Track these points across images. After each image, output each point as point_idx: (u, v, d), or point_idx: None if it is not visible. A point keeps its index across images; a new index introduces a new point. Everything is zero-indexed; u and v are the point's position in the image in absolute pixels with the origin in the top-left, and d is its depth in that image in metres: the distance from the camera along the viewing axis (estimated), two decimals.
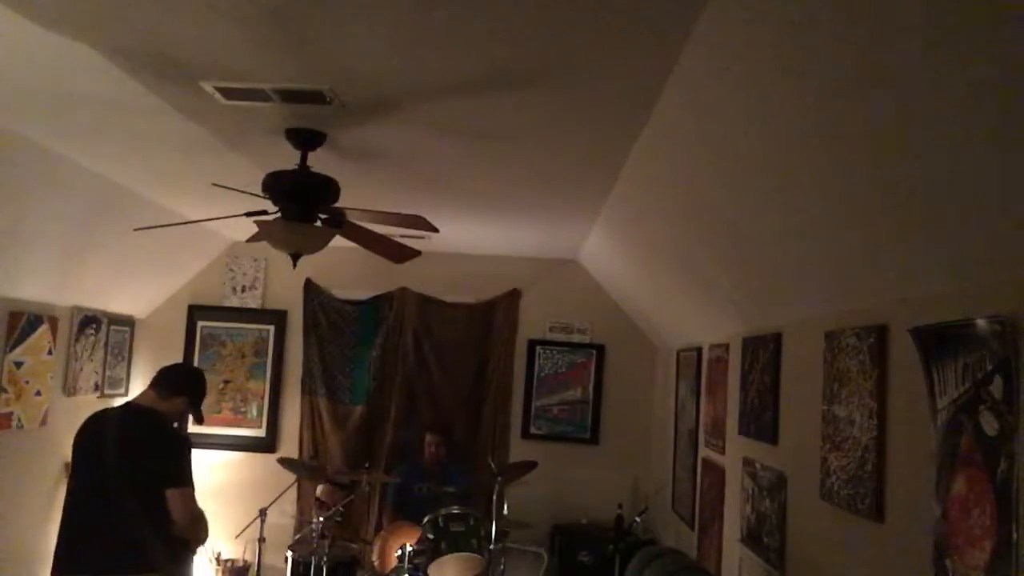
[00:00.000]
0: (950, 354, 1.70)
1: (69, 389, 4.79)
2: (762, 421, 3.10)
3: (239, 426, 5.89)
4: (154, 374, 3.32)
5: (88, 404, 4.94)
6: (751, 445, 3.26)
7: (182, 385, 3.29)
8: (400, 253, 3.72)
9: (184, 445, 3.15)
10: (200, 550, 3.31)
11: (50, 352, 4.54)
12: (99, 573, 2.92)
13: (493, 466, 4.64)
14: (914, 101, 1.48)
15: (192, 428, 5.65)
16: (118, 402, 5.22)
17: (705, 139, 2.53)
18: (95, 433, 3.07)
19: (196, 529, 3.09)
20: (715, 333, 3.97)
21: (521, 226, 4.84)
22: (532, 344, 5.91)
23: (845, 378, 2.32)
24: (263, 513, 4.60)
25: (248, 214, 3.15)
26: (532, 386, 5.90)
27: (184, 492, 3.00)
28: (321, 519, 4.39)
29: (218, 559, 5.54)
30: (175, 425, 3.25)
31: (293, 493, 5.56)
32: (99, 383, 5.18)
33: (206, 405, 3.47)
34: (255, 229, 3.14)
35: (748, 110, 2.12)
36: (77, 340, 4.84)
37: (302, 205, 3.07)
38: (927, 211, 1.69)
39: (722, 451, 3.74)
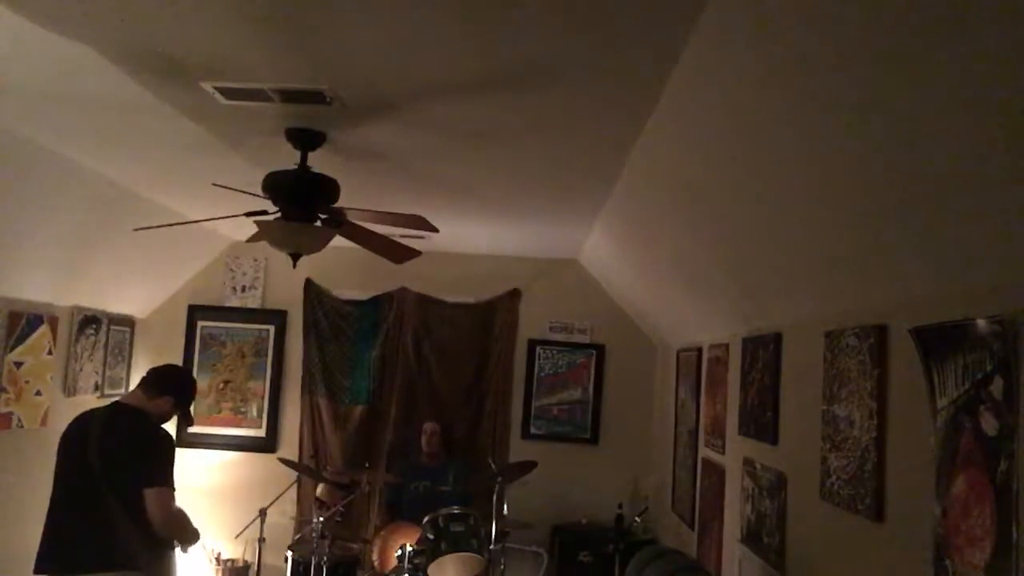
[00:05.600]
0: (950, 354, 1.70)
1: (69, 389, 4.79)
2: (762, 421, 3.10)
3: (239, 426, 5.89)
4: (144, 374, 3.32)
5: (88, 404, 4.92)
6: (751, 445, 3.26)
7: (168, 385, 3.24)
8: (400, 253, 3.72)
9: (165, 445, 3.09)
10: (193, 550, 3.27)
11: (50, 352, 4.54)
12: (84, 570, 2.92)
13: (493, 466, 4.64)
14: (914, 102, 1.48)
15: (192, 428, 5.68)
16: None
17: (705, 139, 2.53)
18: (81, 432, 3.05)
19: (175, 530, 3.06)
20: (715, 333, 3.97)
21: (521, 226, 4.85)
22: (532, 344, 5.91)
23: (845, 378, 2.32)
24: (263, 513, 4.60)
25: (248, 214, 3.15)
26: (532, 386, 5.90)
27: (161, 492, 2.96)
28: (321, 519, 4.38)
29: (218, 559, 5.54)
30: (161, 426, 3.22)
31: (293, 493, 5.56)
32: (99, 383, 5.18)
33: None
34: (255, 229, 3.14)
35: (748, 110, 2.12)
36: (77, 340, 4.84)
37: (302, 205, 3.07)
38: (927, 211, 1.69)
39: (722, 451, 3.74)
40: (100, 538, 2.91)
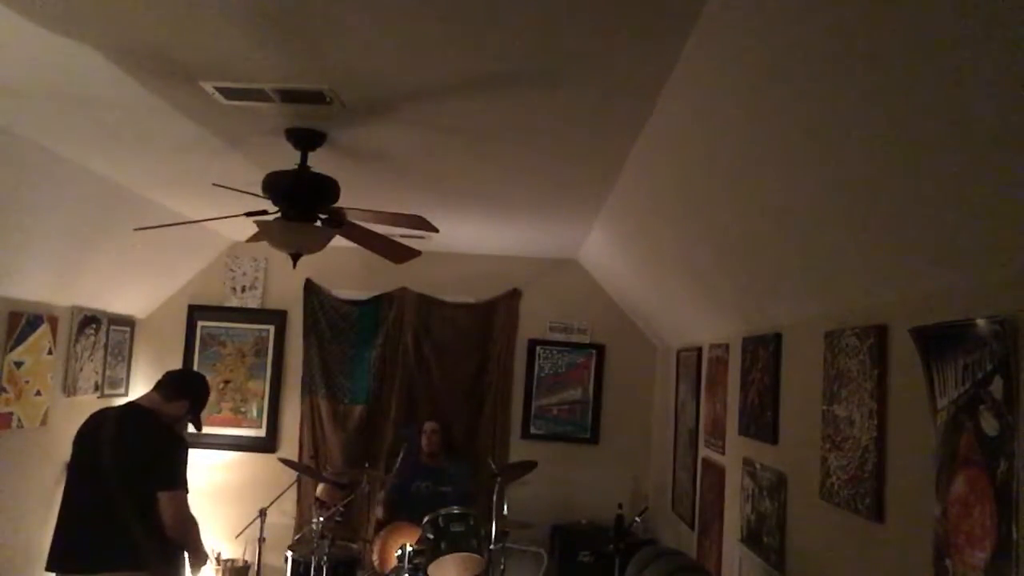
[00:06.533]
0: (950, 354, 1.70)
1: (69, 389, 4.79)
2: (762, 421, 3.10)
3: (239, 426, 5.89)
4: (160, 376, 3.35)
5: (88, 404, 4.95)
6: (751, 445, 3.26)
7: (186, 389, 3.31)
8: (400, 253, 3.73)
9: (180, 448, 3.13)
10: (202, 572, 3.30)
11: (50, 352, 4.54)
12: (92, 570, 2.93)
13: (493, 466, 4.64)
14: (913, 101, 1.48)
15: (193, 429, 5.69)
16: (118, 402, 5.24)
17: (705, 139, 2.53)
18: (94, 431, 3.08)
19: (187, 534, 3.07)
20: (715, 333, 3.97)
21: (521, 226, 4.85)
22: (532, 344, 5.91)
23: (845, 378, 2.32)
24: (263, 513, 4.60)
25: (248, 214, 3.15)
26: (532, 386, 5.90)
27: (175, 495, 2.98)
28: (321, 519, 4.39)
29: (218, 559, 5.54)
30: (174, 428, 3.24)
31: (293, 493, 5.57)
32: (99, 383, 5.18)
33: (206, 406, 3.48)
34: (255, 229, 3.14)
35: (748, 110, 2.12)
36: (77, 340, 4.84)
37: (302, 205, 3.07)
38: (927, 211, 1.69)
39: (722, 451, 3.74)
40: (112, 538, 2.92)
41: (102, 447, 2.99)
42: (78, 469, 3.08)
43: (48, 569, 3.01)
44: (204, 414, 3.50)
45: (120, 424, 3.08)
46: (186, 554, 3.16)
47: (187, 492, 3.05)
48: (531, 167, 3.46)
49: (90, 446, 3.04)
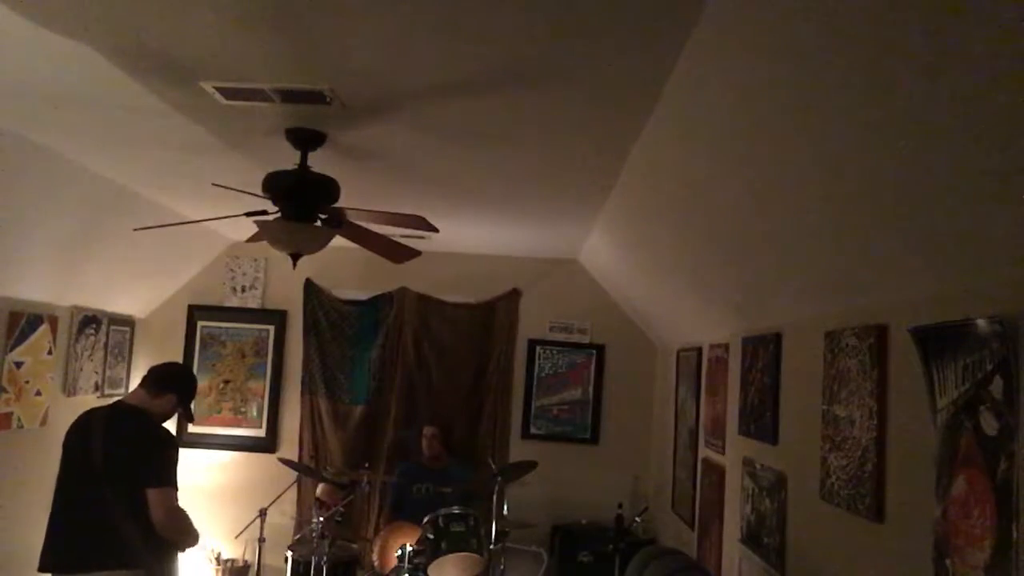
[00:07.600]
0: (950, 354, 1.70)
1: (69, 389, 4.79)
2: (762, 421, 3.10)
3: (239, 426, 5.89)
4: (145, 373, 3.33)
5: (88, 404, 4.92)
6: (751, 445, 3.26)
7: (171, 383, 3.27)
8: (400, 253, 3.73)
9: (168, 446, 3.11)
10: (191, 551, 3.28)
11: (50, 352, 4.54)
12: (83, 568, 2.93)
13: (493, 466, 4.64)
14: (913, 102, 1.48)
15: (192, 428, 5.69)
16: None
17: (704, 139, 2.53)
18: (83, 431, 3.07)
19: (177, 530, 3.06)
20: (715, 333, 3.97)
21: (521, 226, 4.85)
22: (532, 344, 5.92)
23: (845, 378, 2.32)
24: (263, 513, 4.60)
25: (248, 214, 3.15)
26: (532, 386, 5.90)
27: (164, 493, 2.97)
28: (321, 519, 4.39)
29: (218, 559, 5.55)
30: (163, 425, 3.23)
31: (293, 493, 5.57)
32: (99, 383, 5.18)
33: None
34: (255, 229, 3.14)
35: (748, 110, 2.12)
36: (77, 340, 4.84)
37: (302, 205, 3.07)
38: (927, 211, 1.69)
39: (722, 451, 3.74)
40: (103, 536, 2.92)
41: (92, 446, 2.99)
42: (69, 468, 3.07)
43: (41, 569, 3.00)
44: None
45: (108, 424, 3.07)
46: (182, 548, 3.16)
47: (176, 490, 3.03)
48: (531, 167, 3.46)
49: (80, 445, 3.03)
